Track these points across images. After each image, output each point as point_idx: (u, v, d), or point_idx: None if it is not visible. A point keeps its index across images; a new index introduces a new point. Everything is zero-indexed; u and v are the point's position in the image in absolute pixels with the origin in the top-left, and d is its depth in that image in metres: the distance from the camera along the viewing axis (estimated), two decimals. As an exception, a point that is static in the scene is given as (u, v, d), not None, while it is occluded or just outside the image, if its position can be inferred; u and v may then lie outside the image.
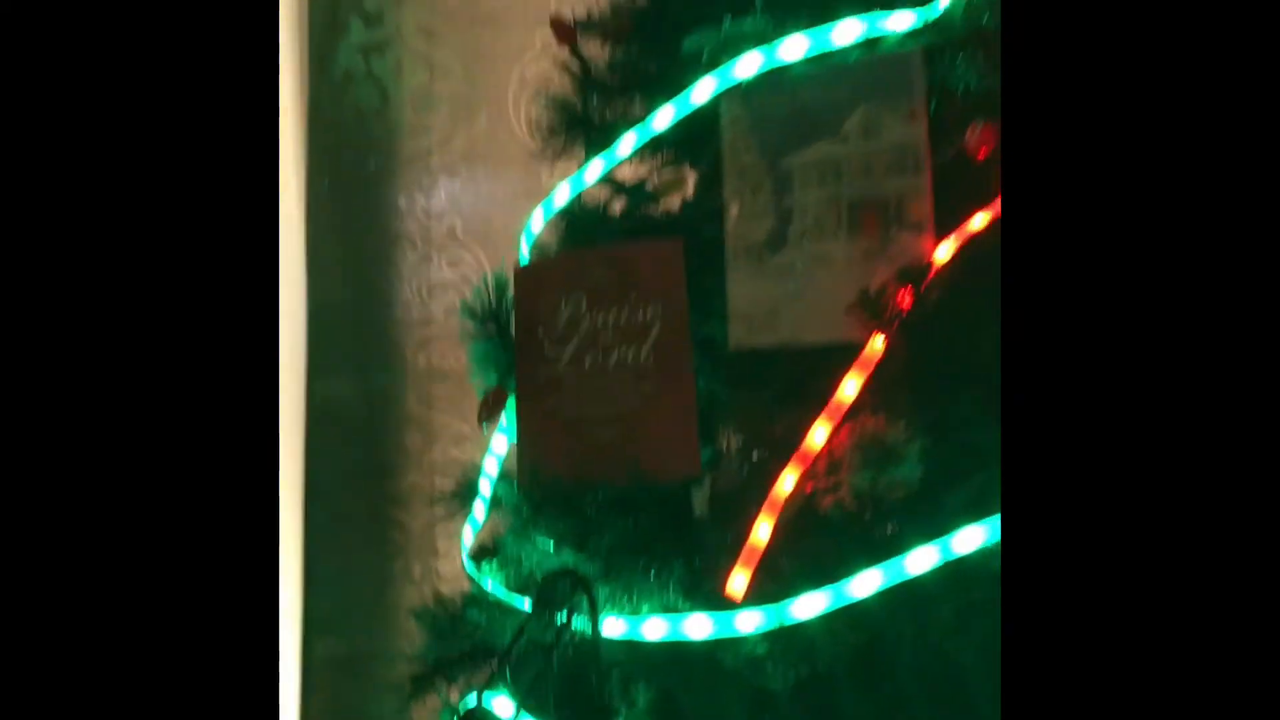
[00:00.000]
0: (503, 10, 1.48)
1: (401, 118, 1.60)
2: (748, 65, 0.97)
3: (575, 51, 1.17)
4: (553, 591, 0.91)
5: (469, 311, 1.06)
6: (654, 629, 0.91)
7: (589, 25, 1.17)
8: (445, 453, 1.63)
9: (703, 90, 0.99)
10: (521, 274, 1.08)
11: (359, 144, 1.59)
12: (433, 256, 1.62)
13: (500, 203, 1.57)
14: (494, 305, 1.06)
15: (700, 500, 0.96)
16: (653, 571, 0.91)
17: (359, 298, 1.60)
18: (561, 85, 1.16)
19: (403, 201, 1.61)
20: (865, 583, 0.85)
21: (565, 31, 1.17)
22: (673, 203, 1.09)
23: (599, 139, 1.10)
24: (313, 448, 1.55)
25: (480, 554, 1.06)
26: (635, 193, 1.11)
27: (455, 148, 1.60)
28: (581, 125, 1.14)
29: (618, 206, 1.14)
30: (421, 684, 1.04)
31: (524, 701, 0.94)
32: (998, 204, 0.93)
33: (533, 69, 1.56)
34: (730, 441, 0.96)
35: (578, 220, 1.13)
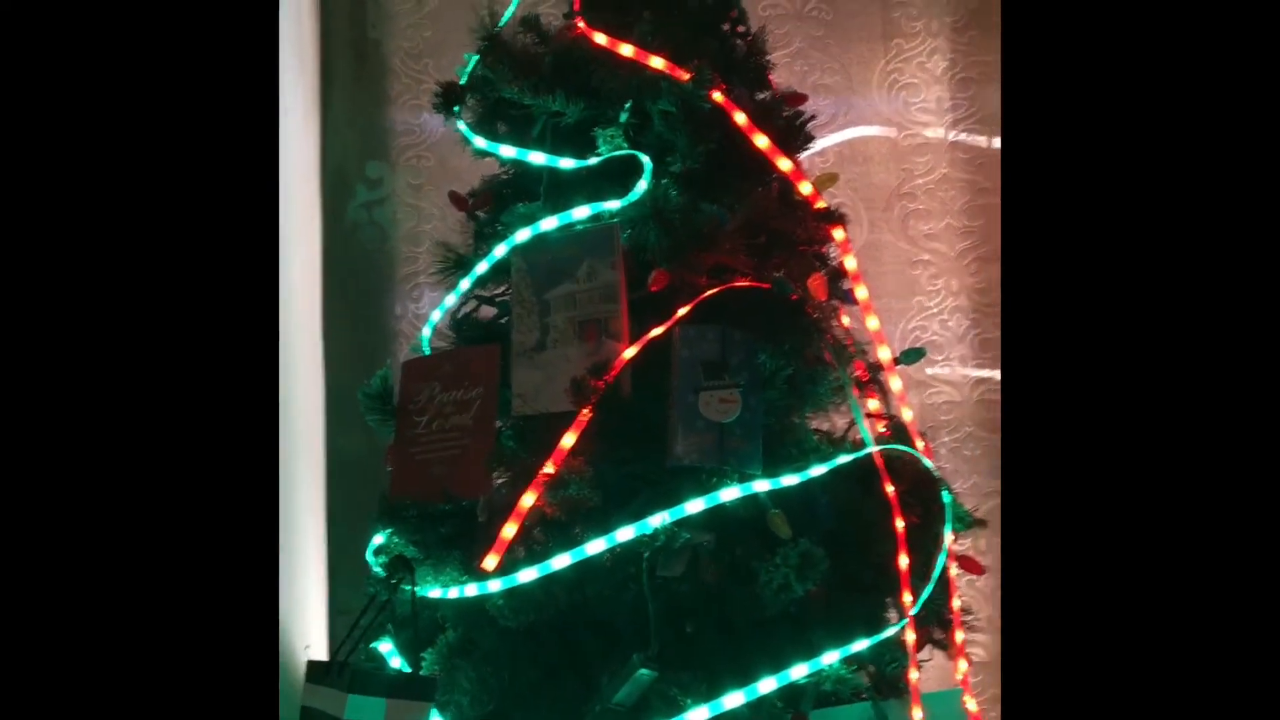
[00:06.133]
0: (465, 170, 2.06)
1: (397, 250, 2.24)
2: (522, 234, 1.53)
3: (469, 215, 1.77)
4: (393, 569, 1.47)
5: (366, 393, 1.65)
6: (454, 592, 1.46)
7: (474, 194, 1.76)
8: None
9: (499, 250, 1.56)
10: (404, 367, 1.65)
11: (365, 270, 2.24)
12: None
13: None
14: (382, 389, 1.64)
15: (482, 509, 1.49)
16: (455, 556, 1.47)
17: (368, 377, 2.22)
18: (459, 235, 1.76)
19: (398, 309, 2.24)
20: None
21: (460, 201, 1.78)
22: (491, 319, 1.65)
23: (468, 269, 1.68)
24: (332, 489, 2.17)
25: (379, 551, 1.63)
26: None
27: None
28: (460, 262, 1.72)
29: (483, 313, 1.70)
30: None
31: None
32: (672, 322, 1.44)
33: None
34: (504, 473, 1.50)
35: (458, 323, 1.71)
